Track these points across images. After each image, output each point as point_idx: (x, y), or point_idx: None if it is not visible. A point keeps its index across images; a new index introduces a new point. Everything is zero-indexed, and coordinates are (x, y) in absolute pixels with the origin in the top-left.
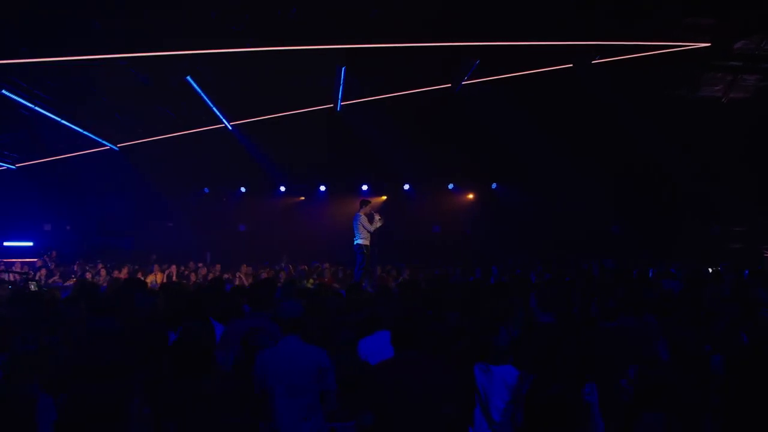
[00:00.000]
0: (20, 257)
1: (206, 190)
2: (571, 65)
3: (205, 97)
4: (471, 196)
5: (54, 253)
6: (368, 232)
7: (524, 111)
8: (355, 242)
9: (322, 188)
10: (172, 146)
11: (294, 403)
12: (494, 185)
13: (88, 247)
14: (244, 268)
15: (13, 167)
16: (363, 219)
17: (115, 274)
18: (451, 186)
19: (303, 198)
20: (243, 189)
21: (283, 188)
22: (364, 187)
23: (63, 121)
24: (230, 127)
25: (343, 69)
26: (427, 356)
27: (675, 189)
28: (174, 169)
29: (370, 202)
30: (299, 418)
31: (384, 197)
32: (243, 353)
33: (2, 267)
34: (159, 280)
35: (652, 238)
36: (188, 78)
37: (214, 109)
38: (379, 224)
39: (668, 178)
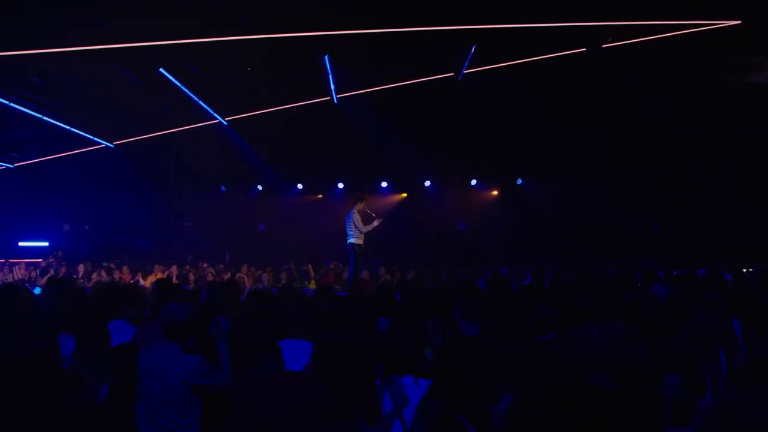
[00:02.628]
0: (35, 257)
1: (223, 188)
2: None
3: (187, 91)
4: (495, 192)
5: (60, 253)
6: (360, 232)
7: (542, 101)
8: (348, 241)
9: (341, 185)
10: (181, 144)
11: (159, 414)
12: (520, 181)
13: (107, 248)
14: (244, 268)
15: (12, 166)
16: (356, 217)
17: (116, 274)
18: (474, 182)
19: (321, 196)
20: (260, 187)
21: (300, 186)
22: (384, 184)
23: (45, 118)
24: (225, 123)
25: (326, 58)
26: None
27: (721, 183)
28: (187, 167)
29: (365, 198)
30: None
31: (404, 194)
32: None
33: (6, 268)
34: None
35: (696, 236)
36: (161, 70)
37: (201, 103)
38: (376, 223)
39: (714, 172)
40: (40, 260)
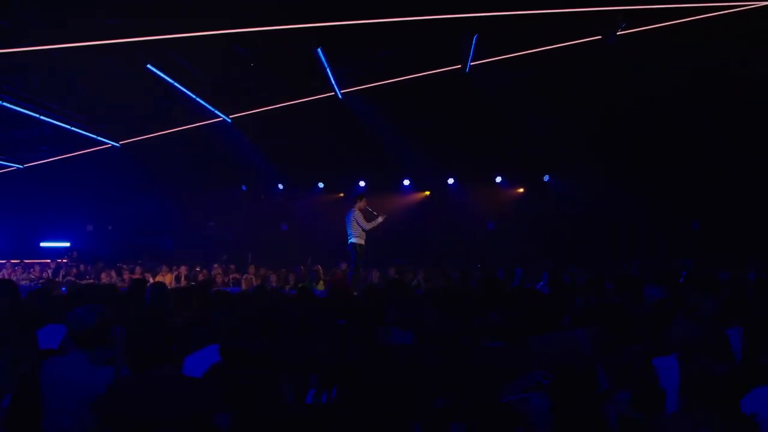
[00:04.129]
0: (57, 258)
1: (243, 187)
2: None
3: (180, 87)
4: (521, 190)
5: (75, 254)
6: (363, 230)
7: (567, 95)
8: (349, 241)
9: (362, 184)
10: (198, 143)
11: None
12: (546, 178)
13: (129, 248)
14: (251, 268)
15: (21, 167)
16: (358, 215)
17: (126, 275)
18: (498, 179)
19: (342, 195)
20: (280, 186)
21: (321, 185)
22: (406, 182)
23: (43, 118)
24: (229, 120)
25: (319, 50)
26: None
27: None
28: (207, 166)
29: (365, 196)
30: None
31: (427, 192)
32: None
33: (20, 269)
34: (168, 281)
35: (740, 235)
36: (149, 66)
37: (199, 99)
38: (380, 219)
39: (758, 168)
40: (49, 261)
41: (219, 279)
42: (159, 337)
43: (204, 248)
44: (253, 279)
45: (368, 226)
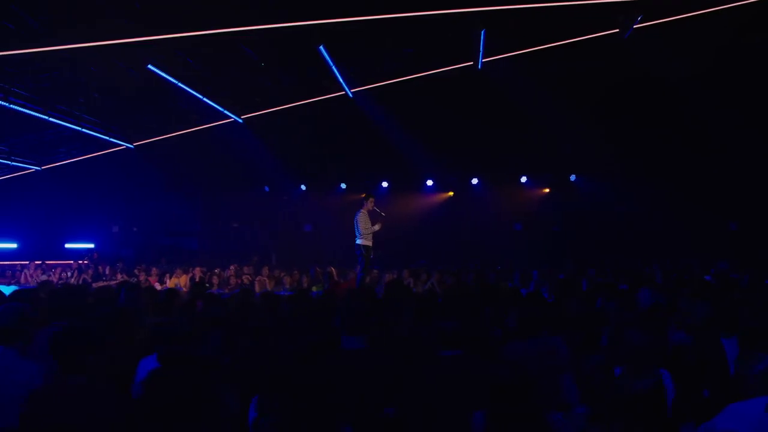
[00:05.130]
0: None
1: (266, 188)
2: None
3: (184, 86)
4: (546, 190)
5: (96, 255)
6: (359, 233)
7: (592, 92)
8: (356, 242)
9: (384, 184)
10: (215, 143)
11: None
12: (573, 177)
13: (153, 249)
14: (265, 270)
15: (39, 168)
16: (361, 216)
17: (142, 277)
18: (524, 179)
19: (364, 195)
20: (303, 187)
21: (343, 185)
22: (429, 183)
23: (53, 120)
24: (240, 121)
25: (322, 48)
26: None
27: None
28: (228, 167)
29: (372, 196)
30: None
31: (450, 192)
32: None
33: (40, 270)
34: (183, 283)
35: None
36: (150, 66)
37: (206, 100)
38: (377, 227)
39: None
40: (71, 262)
41: (233, 281)
42: (81, 341)
43: (228, 249)
44: (266, 281)
45: (368, 230)
